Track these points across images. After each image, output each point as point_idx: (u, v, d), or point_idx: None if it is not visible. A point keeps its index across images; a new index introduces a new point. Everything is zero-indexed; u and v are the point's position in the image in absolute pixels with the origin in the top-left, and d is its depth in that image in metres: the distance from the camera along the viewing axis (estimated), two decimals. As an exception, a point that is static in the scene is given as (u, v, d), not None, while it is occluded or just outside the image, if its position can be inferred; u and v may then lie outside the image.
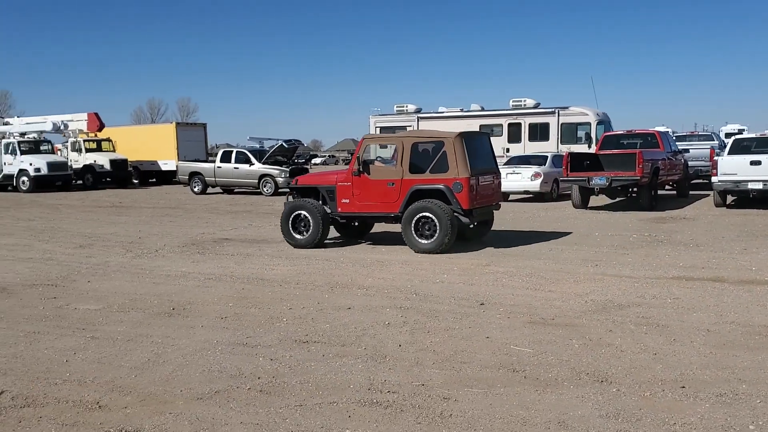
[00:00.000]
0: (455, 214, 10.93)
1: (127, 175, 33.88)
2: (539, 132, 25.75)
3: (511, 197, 21.94)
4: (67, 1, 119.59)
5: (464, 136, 11.30)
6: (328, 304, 7.60)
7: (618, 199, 19.56)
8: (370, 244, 12.40)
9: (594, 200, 19.04)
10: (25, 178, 30.53)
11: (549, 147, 24.87)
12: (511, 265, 9.78)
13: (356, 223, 12.42)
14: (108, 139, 34.46)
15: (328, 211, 11.92)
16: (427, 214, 10.93)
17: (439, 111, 28.14)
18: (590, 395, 4.75)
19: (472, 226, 11.56)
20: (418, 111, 28.07)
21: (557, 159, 21.20)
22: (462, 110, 27.56)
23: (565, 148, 23.84)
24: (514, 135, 26.05)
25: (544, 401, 4.66)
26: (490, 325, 6.60)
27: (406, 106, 28.33)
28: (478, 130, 26.34)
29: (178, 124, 37.12)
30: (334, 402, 4.72)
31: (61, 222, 17.35)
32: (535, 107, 26.22)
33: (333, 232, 12.75)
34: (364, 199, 11.61)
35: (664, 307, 7.21)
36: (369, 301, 7.74)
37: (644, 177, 16.98)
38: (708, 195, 20.09)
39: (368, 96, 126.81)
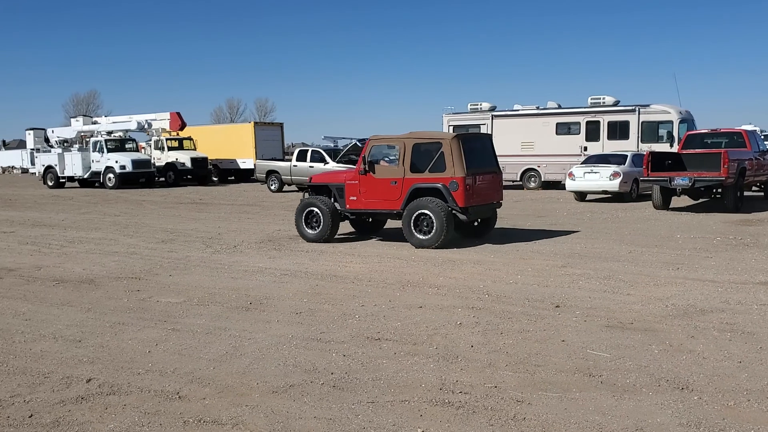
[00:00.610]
0: (453, 211, 11.46)
1: (207, 172, 34.90)
2: (619, 130, 25.06)
3: (589, 197, 21.47)
4: (153, 5, 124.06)
5: (461, 137, 11.92)
6: (399, 302, 7.63)
7: (701, 201, 18.85)
8: (380, 239, 12.88)
9: (676, 201, 18.42)
10: (111, 175, 31.89)
11: (629, 146, 24.18)
12: (588, 267, 9.57)
13: (370, 219, 13.10)
14: (189, 138, 35.59)
15: (339, 208, 12.62)
16: (425, 211, 11.52)
17: (514, 109, 27.75)
18: (670, 403, 4.60)
19: (476, 223, 12.34)
20: (493, 109, 27.76)
21: (637, 158, 20.61)
22: (538, 108, 27.10)
23: (645, 147, 23.13)
24: (593, 133, 25.44)
25: (621, 407, 4.54)
26: (566, 328, 6.47)
27: (480, 104, 28.05)
28: (554, 128, 26.14)
29: (256, 123, 37.98)
30: (405, 400, 4.73)
31: (145, 217, 18.05)
32: (615, 105, 25.52)
33: (349, 228, 13.55)
34: (370, 197, 12.30)
35: (750, 313, 6.91)
36: (441, 300, 7.73)
37: (729, 177, 16.31)
38: (800, 197, 19.14)
39: (442, 94, 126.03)
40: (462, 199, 11.45)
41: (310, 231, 12.59)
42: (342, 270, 9.72)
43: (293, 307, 7.52)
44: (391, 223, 13.69)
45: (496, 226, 13.05)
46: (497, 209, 12.79)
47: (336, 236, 12.81)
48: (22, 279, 9.45)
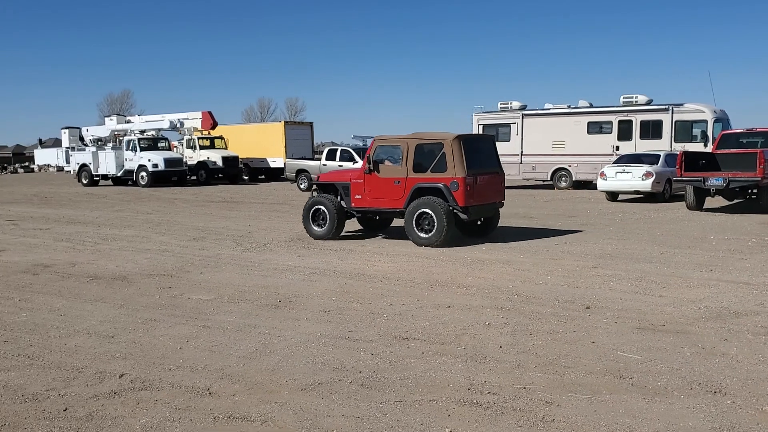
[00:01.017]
0: (453, 210, 11.69)
1: (237, 171, 35.24)
2: (651, 129, 24.73)
3: (621, 197, 21.23)
4: (187, 5, 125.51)
5: (463, 138, 12.03)
6: (427, 302, 7.62)
7: (736, 201, 18.52)
8: (385, 237, 13.12)
9: (709, 202, 18.12)
10: (143, 173, 32.35)
11: (662, 145, 23.85)
12: (619, 268, 9.46)
13: (378, 217, 13.33)
14: (220, 137, 35.96)
15: (344, 206, 12.89)
16: (427, 210, 11.78)
17: (544, 108, 27.51)
18: (702, 406, 4.53)
19: (479, 222, 12.70)
20: (523, 108, 27.55)
21: (670, 158, 20.33)
22: (569, 107, 26.85)
23: (679, 147, 22.80)
24: (625, 132, 25.13)
25: (652, 410, 4.49)
26: (596, 330, 6.41)
27: (511, 103, 27.86)
28: (585, 127, 25.87)
29: (286, 122, 38.25)
30: (433, 400, 4.73)
31: (177, 215, 18.27)
32: (648, 104, 25.20)
33: (356, 225, 13.96)
34: (374, 196, 12.59)
35: (787, 316, 6.77)
36: (469, 300, 7.70)
37: (765, 178, 16.02)
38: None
39: (472, 93, 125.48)
40: (462, 198, 11.69)
41: (316, 228, 12.91)
42: (370, 269, 9.75)
43: (322, 305, 7.56)
44: (398, 221, 13.78)
45: (527, 226, 12.99)
46: (499, 209, 13.07)
47: (343, 234, 13.06)
48: (57, 275, 9.64)
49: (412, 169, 12.14)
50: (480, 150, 12.48)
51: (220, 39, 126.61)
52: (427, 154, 12.15)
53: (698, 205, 17.43)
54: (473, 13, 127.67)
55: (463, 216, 11.81)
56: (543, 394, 4.81)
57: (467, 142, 12.05)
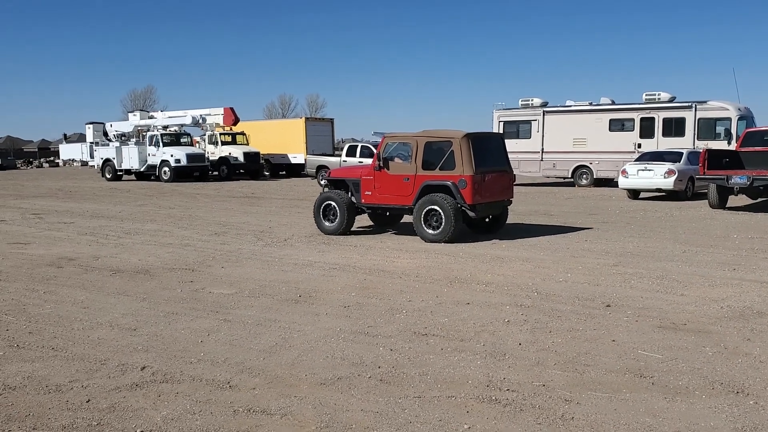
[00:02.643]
0: (461, 208, 11.81)
1: (259, 167, 35.40)
2: (674, 127, 24.46)
3: (642, 195, 21.04)
4: (208, 3, 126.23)
5: (471, 136, 12.07)
6: (447, 298, 7.62)
7: (760, 200, 18.27)
8: (395, 233, 13.25)
9: (733, 200, 17.89)
10: (166, 168, 32.65)
11: (684, 143, 23.58)
12: (640, 266, 9.39)
13: (388, 213, 13.49)
14: (242, 133, 36.14)
15: (354, 201, 13.05)
16: (435, 207, 11.90)
17: (566, 105, 27.30)
18: (724, 407, 4.49)
19: (487, 220, 12.88)
20: (544, 105, 27.36)
21: (693, 156, 20.10)
22: (591, 104, 26.62)
23: (702, 145, 22.53)
24: (647, 130, 24.89)
25: (672, 410, 4.46)
26: (617, 328, 6.37)
27: (532, 100, 27.67)
28: (607, 124, 25.65)
29: (307, 119, 38.29)
30: (452, 396, 4.73)
31: (198, 210, 18.42)
32: (671, 101, 24.91)
33: (367, 221, 14.19)
34: (384, 192, 12.75)
35: (812, 317, 6.68)
36: (488, 297, 7.69)
37: (791, 176, 15.77)
38: None
39: (493, 89, 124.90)
40: (470, 196, 11.80)
41: (327, 223, 13.07)
42: (390, 265, 9.76)
43: (341, 300, 7.59)
44: (408, 218, 13.81)
45: (547, 224, 12.91)
46: (508, 206, 13.15)
47: (353, 229, 13.24)
48: (80, 268, 9.76)
49: (421, 167, 12.27)
50: (489, 148, 12.57)
51: (242, 36, 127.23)
52: (436, 152, 12.26)
53: (721, 204, 17.22)
54: (495, 11, 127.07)
55: (471, 213, 11.95)
56: (562, 391, 4.79)
57: (476, 140, 12.13)
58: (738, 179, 16.36)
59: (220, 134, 35.31)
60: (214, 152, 34.85)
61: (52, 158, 65.98)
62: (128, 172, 34.97)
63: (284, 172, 37.62)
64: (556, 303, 7.36)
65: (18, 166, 59.91)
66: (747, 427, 4.17)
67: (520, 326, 6.47)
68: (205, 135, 35.88)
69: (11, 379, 5.18)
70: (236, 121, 35.13)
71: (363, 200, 12.99)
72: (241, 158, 34.35)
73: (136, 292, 8.17)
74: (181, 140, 34.38)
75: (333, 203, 12.98)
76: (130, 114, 39.43)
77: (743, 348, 5.72)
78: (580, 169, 26.20)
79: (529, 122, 27.27)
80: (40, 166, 62.18)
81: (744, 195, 17.55)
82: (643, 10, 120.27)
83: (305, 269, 9.50)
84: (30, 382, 5.13)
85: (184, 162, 32.39)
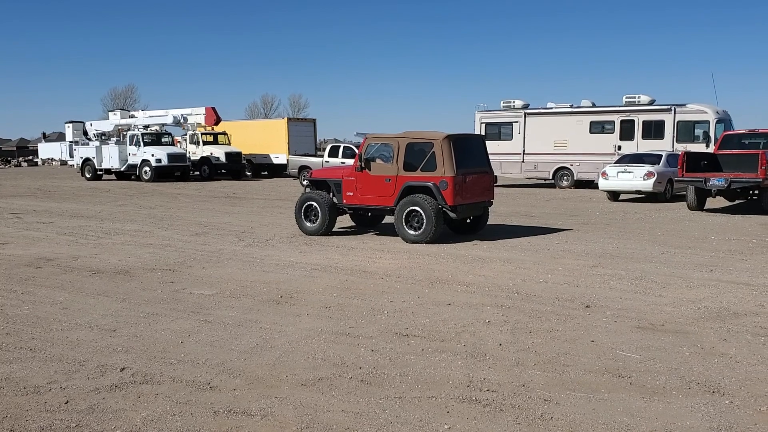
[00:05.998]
0: (442, 209, 11.87)
1: (240, 167, 35.23)
2: (654, 130, 24.71)
3: (622, 197, 21.23)
4: (190, 1, 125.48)
5: (452, 138, 12.12)
6: (428, 299, 7.65)
7: (737, 202, 18.51)
8: (376, 233, 13.33)
9: (711, 202, 18.12)
10: (147, 168, 32.40)
11: (664, 145, 23.82)
12: (619, 268, 9.48)
13: (369, 214, 13.53)
14: (224, 133, 35.96)
15: (336, 202, 13.07)
16: (416, 208, 11.96)
17: (547, 107, 27.49)
18: (700, 406, 4.56)
19: (468, 220, 12.91)
20: (526, 107, 27.51)
21: (672, 158, 20.31)
22: (572, 106, 26.82)
23: (681, 147, 22.78)
24: (627, 132, 25.12)
25: (650, 409, 4.51)
26: (596, 329, 6.43)
27: (513, 102, 27.81)
28: (588, 127, 25.85)
29: (289, 119, 38.16)
30: (432, 396, 4.76)
31: (179, 210, 18.31)
32: (650, 104, 25.18)
33: (348, 221, 14.24)
34: (365, 193, 12.77)
35: (786, 317, 6.78)
36: (469, 298, 7.73)
37: (767, 179, 15.98)
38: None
39: (475, 91, 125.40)
40: (451, 197, 11.85)
41: (308, 224, 13.07)
42: (371, 266, 9.77)
43: (323, 301, 7.59)
44: (390, 218, 13.85)
45: (528, 225, 12.98)
46: (488, 207, 13.22)
47: (335, 230, 13.29)
48: (59, 269, 9.68)
49: (402, 168, 12.31)
50: (469, 150, 12.63)
51: (224, 35, 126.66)
52: (417, 153, 12.31)
53: (699, 206, 17.43)
54: (477, 12, 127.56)
55: (451, 214, 12.02)
56: (542, 391, 4.83)
57: (457, 141, 12.19)
58: (716, 181, 16.57)
59: (202, 134, 35.10)
60: (196, 152, 34.63)
61: (30, 157, 65.25)
62: (108, 171, 34.64)
63: (266, 173, 37.48)
64: (536, 304, 7.41)
65: (-4, 165, 59.15)
66: (722, 426, 4.24)
67: (500, 327, 6.52)
68: (186, 135, 35.64)
69: (-12, 381, 5.12)
70: (218, 121, 34.92)
71: (345, 201, 13.00)
72: (223, 158, 34.19)
73: (116, 292, 8.12)
74: (162, 140, 34.13)
75: (314, 204, 12.99)
76: (110, 113, 39.05)
77: (719, 348, 5.80)
78: (560, 171, 26.38)
79: (510, 124, 27.40)
80: (19, 165, 61.44)
81: (722, 197, 17.77)
82: (624, 14, 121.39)
83: (286, 270, 9.49)
84: (8, 383, 5.08)
85: (165, 162, 32.17)
